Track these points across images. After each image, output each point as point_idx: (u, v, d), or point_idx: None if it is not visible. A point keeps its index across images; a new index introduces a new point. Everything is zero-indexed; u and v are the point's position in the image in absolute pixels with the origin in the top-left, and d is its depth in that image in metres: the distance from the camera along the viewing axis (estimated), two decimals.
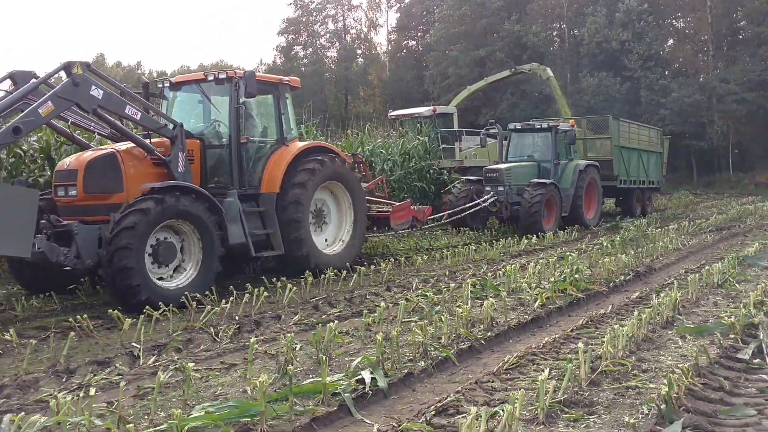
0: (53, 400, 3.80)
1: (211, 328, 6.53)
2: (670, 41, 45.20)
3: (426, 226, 14.25)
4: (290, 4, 56.47)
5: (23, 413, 3.82)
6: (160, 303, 7.01)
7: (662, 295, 7.00)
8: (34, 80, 7.78)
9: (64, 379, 5.15)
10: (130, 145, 8.31)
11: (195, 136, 9.12)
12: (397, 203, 12.62)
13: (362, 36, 59.23)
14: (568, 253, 10.33)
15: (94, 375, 5.22)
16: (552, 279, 8.11)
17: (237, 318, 7.01)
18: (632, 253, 10.39)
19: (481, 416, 3.62)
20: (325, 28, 58.13)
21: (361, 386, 4.65)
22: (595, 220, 17.37)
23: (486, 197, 15.31)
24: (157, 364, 5.50)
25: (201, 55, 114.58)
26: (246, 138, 9.18)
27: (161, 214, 7.45)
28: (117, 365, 5.47)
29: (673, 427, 3.82)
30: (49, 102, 7.23)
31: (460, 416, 4.09)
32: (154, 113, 8.81)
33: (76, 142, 8.98)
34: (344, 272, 9.18)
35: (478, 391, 4.62)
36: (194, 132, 9.27)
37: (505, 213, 15.42)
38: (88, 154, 8.13)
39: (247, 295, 7.58)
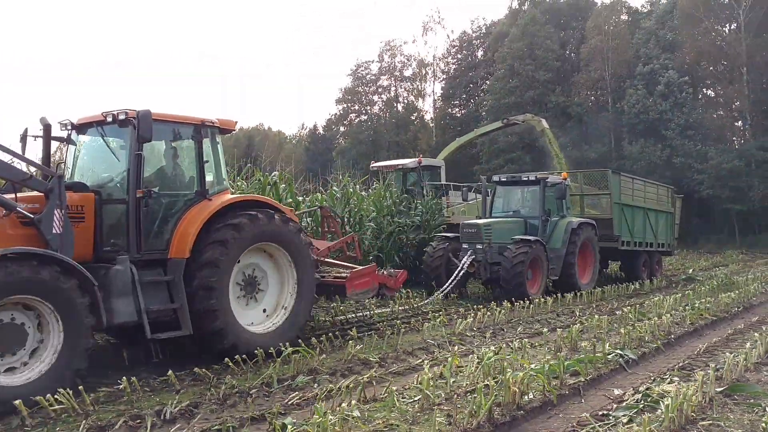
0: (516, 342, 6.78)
1: (468, 332, 9.51)
2: (699, 109, 48.32)
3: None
4: (349, 74, 61.48)
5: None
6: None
7: None
8: None
9: (432, 351, 8.26)
10: None
11: (90, 189, 7.58)
12: (359, 267, 10.53)
13: (412, 105, 63.71)
14: (688, 292, 13.16)
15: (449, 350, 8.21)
16: (696, 306, 11.05)
17: (475, 329, 9.93)
18: (735, 293, 13.22)
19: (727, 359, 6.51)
20: (379, 97, 62.89)
21: (619, 358, 7.55)
22: (591, 285, 15.02)
23: (464, 259, 13.49)
24: (487, 340, 8.65)
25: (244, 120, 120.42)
26: (143, 191, 7.45)
27: (1, 289, 6.00)
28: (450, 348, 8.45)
29: None
30: None
31: (696, 370, 6.96)
32: (23, 161, 7.31)
33: None
34: (519, 302, 11.93)
35: (693, 362, 7.50)
36: (95, 183, 7.78)
37: (483, 274, 13.52)
38: None
39: (470, 315, 10.57)
